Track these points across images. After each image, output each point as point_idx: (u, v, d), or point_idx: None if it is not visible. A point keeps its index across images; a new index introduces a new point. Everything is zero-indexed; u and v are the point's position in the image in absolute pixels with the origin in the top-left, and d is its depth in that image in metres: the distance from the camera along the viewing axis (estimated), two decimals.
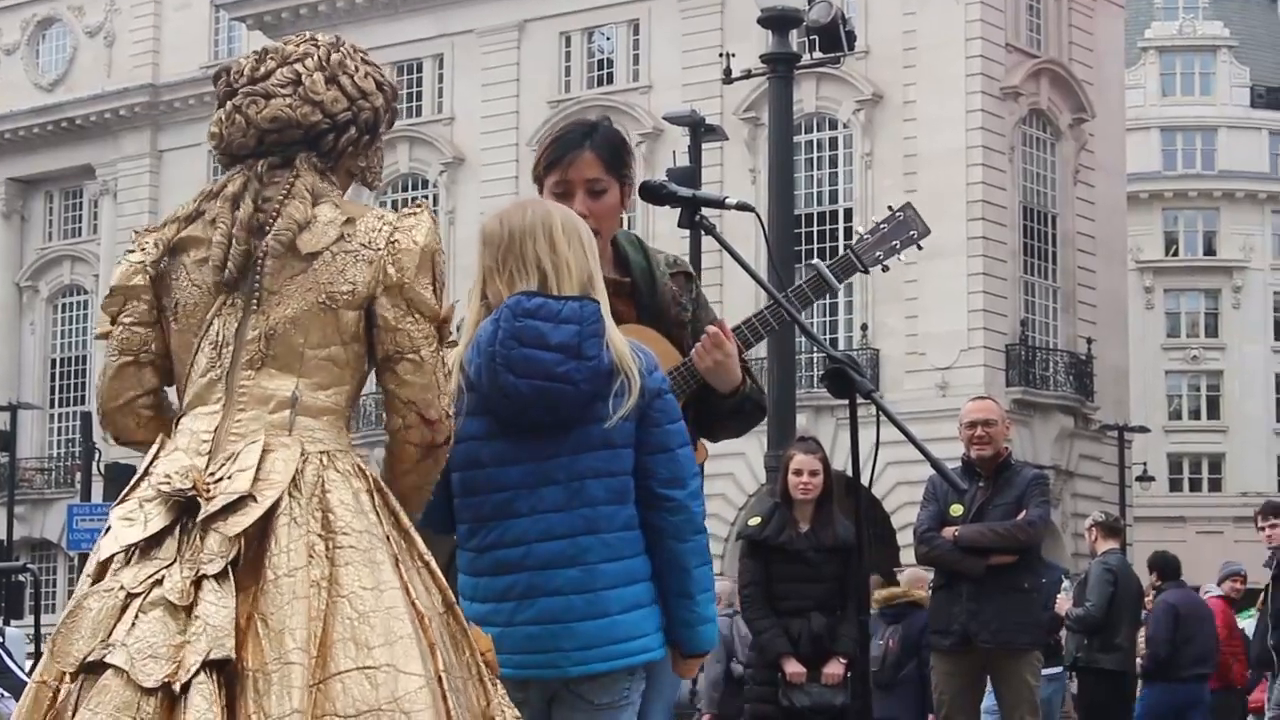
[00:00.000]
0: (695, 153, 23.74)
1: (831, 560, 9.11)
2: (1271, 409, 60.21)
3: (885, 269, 5.18)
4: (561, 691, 4.14)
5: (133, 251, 3.84)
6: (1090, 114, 41.65)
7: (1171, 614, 13.11)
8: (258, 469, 3.53)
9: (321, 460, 3.61)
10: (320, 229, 3.71)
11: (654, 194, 4.83)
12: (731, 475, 36.60)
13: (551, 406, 4.16)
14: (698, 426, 4.81)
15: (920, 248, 5.21)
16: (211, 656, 3.36)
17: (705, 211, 4.88)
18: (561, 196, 4.72)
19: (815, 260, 5.07)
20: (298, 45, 3.95)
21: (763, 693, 9.21)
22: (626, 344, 4.21)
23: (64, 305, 54.56)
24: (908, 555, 26.66)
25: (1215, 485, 59.94)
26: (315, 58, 3.90)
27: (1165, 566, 14.15)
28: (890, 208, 5.22)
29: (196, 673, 3.35)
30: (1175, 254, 61.56)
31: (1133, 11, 53.46)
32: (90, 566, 3.58)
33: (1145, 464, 49.88)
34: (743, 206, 4.87)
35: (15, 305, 54.42)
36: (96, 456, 36.94)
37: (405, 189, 45.70)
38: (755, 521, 9.39)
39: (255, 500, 3.50)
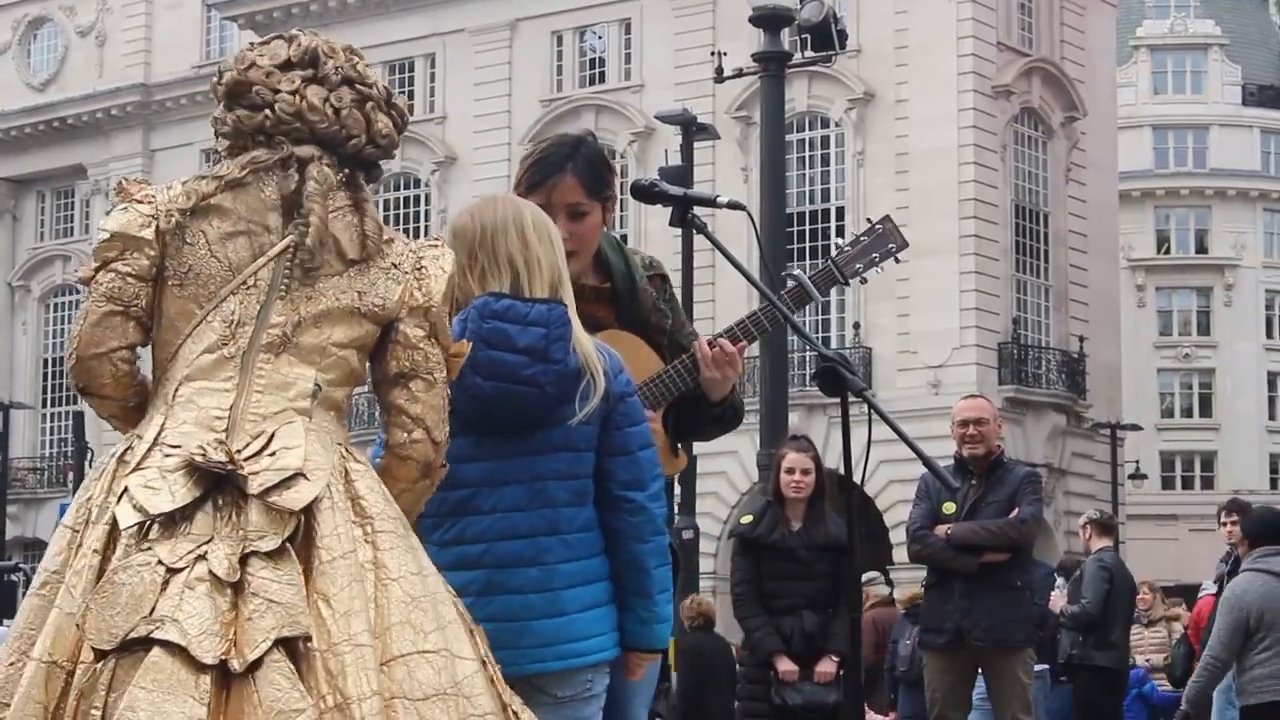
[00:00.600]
0: (687, 151, 23.78)
1: (823, 558, 9.12)
2: (1263, 407, 60.27)
3: (864, 281, 5.18)
4: (521, 685, 4.14)
5: (139, 202, 3.70)
6: (1082, 112, 41.69)
7: None
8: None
9: (342, 450, 3.61)
10: (363, 240, 3.72)
11: (645, 193, 4.83)
12: (724, 474, 36.61)
13: (517, 409, 4.19)
14: (678, 432, 4.82)
15: (898, 260, 5.22)
16: (286, 633, 3.31)
17: (697, 210, 4.88)
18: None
19: (796, 271, 5.06)
20: (358, 56, 3.85)
21: (755, 691, 9.22)
22: (593, 345, 4.22)
23: (56, 305, 54.49)
24: (900, 553, 26.65)
25: (1207, 483, 59.95)
26: (385, 84, 3.87)
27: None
28: (869, 220, 5.23)
29: (270, 650, 3.29)
30: (1167, 252, 61.58)
31: (1124, 10, 53.47)
32: (95, 537, 3.46)
33: (1137, 462, 49.92)
34: (734, 205, 4.87)
35: (7, 305, 54.38)
36: (89, 456, 36.94)
37: (397, 188, 45.69)
38: (747, 519, 9.40)
39: (307, 478, 3.46)
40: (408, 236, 3.82)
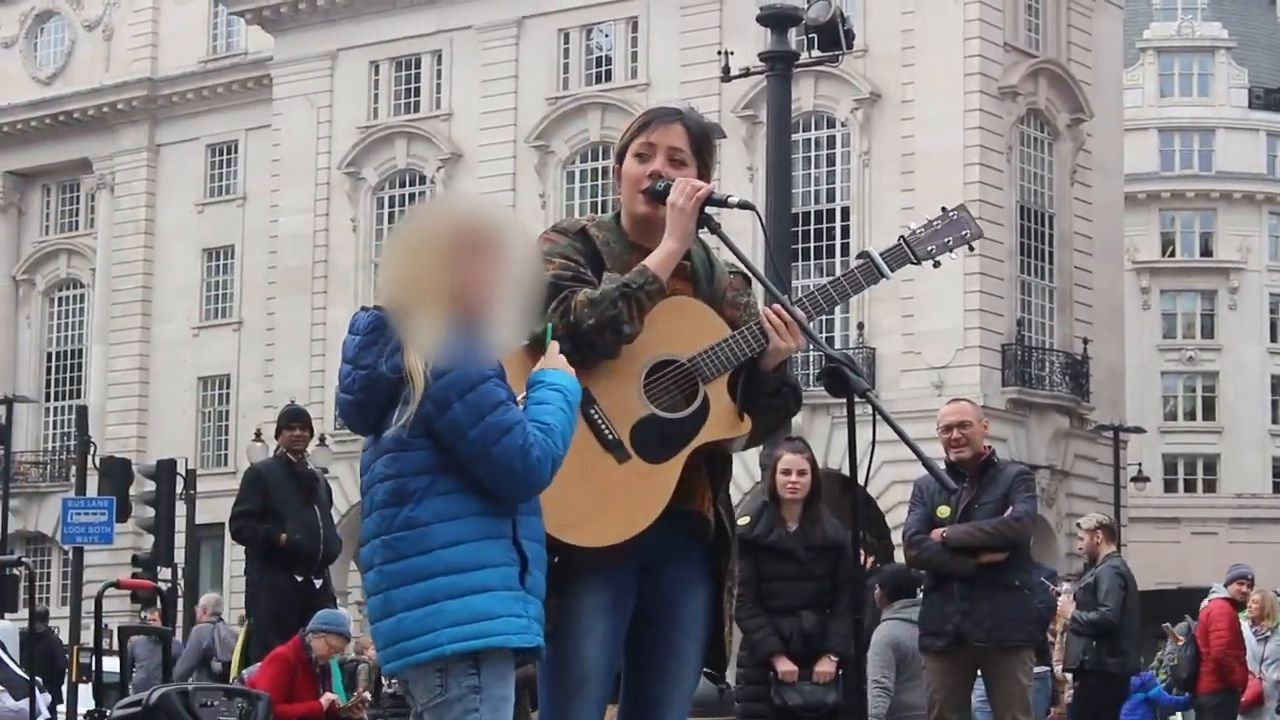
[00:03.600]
0: None
1: (821, 559, 9.12)
2: (1267, 410, 60.19)
3: (937, 264, 5.16)
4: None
5: None
6: (1088, 114, 41.66)
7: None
8: None
9: None
10: None
11: (658, 193, 4.84)
12: None
13: (345, 414, 4.33)
14: (745, 402, 4.84)
15: (973, 249, 5.20)
16: None
17: (707, 208, 4.89)
18: (643, 158, 4.86)
19: (869, 247, 5.08)
20: None
21: (754, 691, 9.21)
22: (430, 351, 4.20)
23: (60, 299, 54.53)
24: (901, 555, 26.52)
25: (1210, 486, 59.91)
26: None
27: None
28: (944, 209, 5.23)
29: None
30: (1172, 255, 61.52)
31: (1131, 12, 53.43)
32: None
33: (1140, 464, 49.87)
34: (744, 205, 4.90)
35: (11, 299, 54.40)
36: (91, 450, 36.91)
37: (403, 185, 45.68)
38: (744, 521, 9.38)
39: None
40: None
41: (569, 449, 4.27)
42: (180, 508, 32.07)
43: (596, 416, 4.67)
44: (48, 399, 53.13)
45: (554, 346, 4.38)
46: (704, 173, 4.91)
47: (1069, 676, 13.70)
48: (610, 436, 4.68)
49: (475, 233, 4.30)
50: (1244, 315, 60.35)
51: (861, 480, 5.02)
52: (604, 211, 4.98)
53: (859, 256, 5.00)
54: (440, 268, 4.25)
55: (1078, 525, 13.43)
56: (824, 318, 35.27)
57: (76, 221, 54.54)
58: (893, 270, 5.02)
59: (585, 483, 4.62)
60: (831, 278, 4.98)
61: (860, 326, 39.10)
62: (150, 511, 28.73)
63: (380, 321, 4.26)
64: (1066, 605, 12.80)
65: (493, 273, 4.28)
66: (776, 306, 4.79)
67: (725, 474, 5.00)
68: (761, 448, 17.22)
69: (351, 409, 4.29)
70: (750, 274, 4.99)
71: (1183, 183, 60.95)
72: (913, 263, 5.12)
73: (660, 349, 4.74)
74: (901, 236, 5.10)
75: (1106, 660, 12.50)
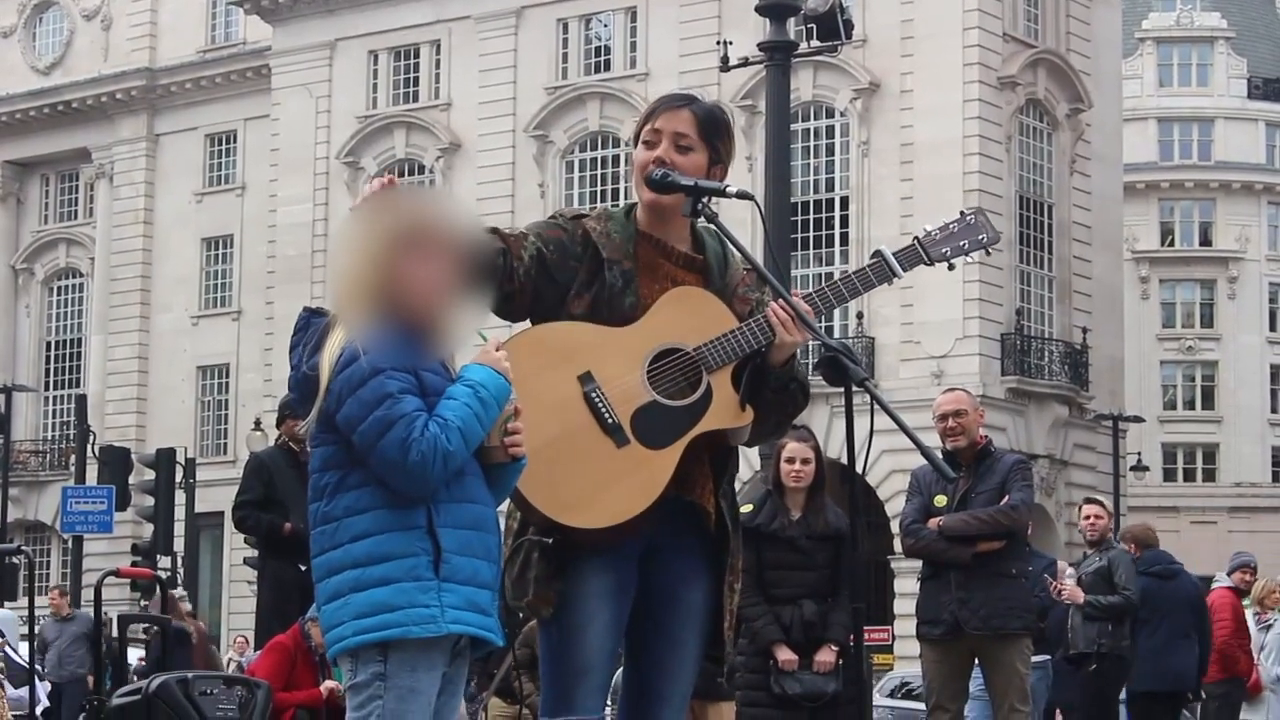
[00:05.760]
0: None
1: (823, 548, 9.12)
2: (1266, 400, 60.26)
3: (951, 267, 5.13)
4: None
5: None
6: (1087, 104, 41.66)
7: None
8: None
9: None
10: None
11: (658, 184, 4.85)
12: None
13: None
14: (750, 393, 4.83)
15: (989, 253, 5.17)
16: None
17: (702, 198, 4.89)
18: (649, 145, 4.86)
19: (882, 246, 5.05)
20: None
21: (754, 680, 9.21)
22: (334, 349, 4.25)
23: (59, 288, 54.53)
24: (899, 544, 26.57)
25: (1209, 475, 59.96)
26: None
27: None
28: (962, 212, 5.19)
29: None
30: (1171, 244, 61.56)
31: (1130, 2, 53.43)
32: None
33: (1139, 454, 49.91)
34: (743, 195, 4.89)
35: (11, 288, 54.41)
36: (91, 439, 36.96)
37: (403, 174, 45.67)
38: (747, 509, 9.38)
39: None
40: None
41: (474, 444, 4.23)
42: (179, 497, 32.10)
43: (597, 400, 4.67)
44: (47, 388, 53.15)
45: (491, 343, 4.36)
46: (716, 159, 4.89)
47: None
48: (610, 420, 4.66)
49: (419, 230, 4.28)
50: (1243, 305, 60.39)
51: (860, 469, 5.02)
52: (602, 201, 4.94)
53: (872, 256, 4.97)
54: (378, 263, 4.25)
55: (1096, 502, 13.36)
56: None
57: (75, 211, 54.54)
58: (905, 270, 4.97)
59: (583, 466, 4.63)
60: (843, 275, 4.97)
61: (859, 316, 39.11)
62: (149, 500, 28.75)
63: (303, 321, 4.33)
64: (1075, 592, 12.75)
65: (436, 270, 4.26)
66: (781, 301, 4.79)
67: (729, 466, 4.96)
68: None
69: (295, 406, 4.34)
70: (753, 266, 4.98)
71: (1182, 173, 60.99)
72: (925, 264, 5.06)
73: (666, 337, 4.74)
74: (916, 237, 5.06)
75: (1121, 644, 12.55)
